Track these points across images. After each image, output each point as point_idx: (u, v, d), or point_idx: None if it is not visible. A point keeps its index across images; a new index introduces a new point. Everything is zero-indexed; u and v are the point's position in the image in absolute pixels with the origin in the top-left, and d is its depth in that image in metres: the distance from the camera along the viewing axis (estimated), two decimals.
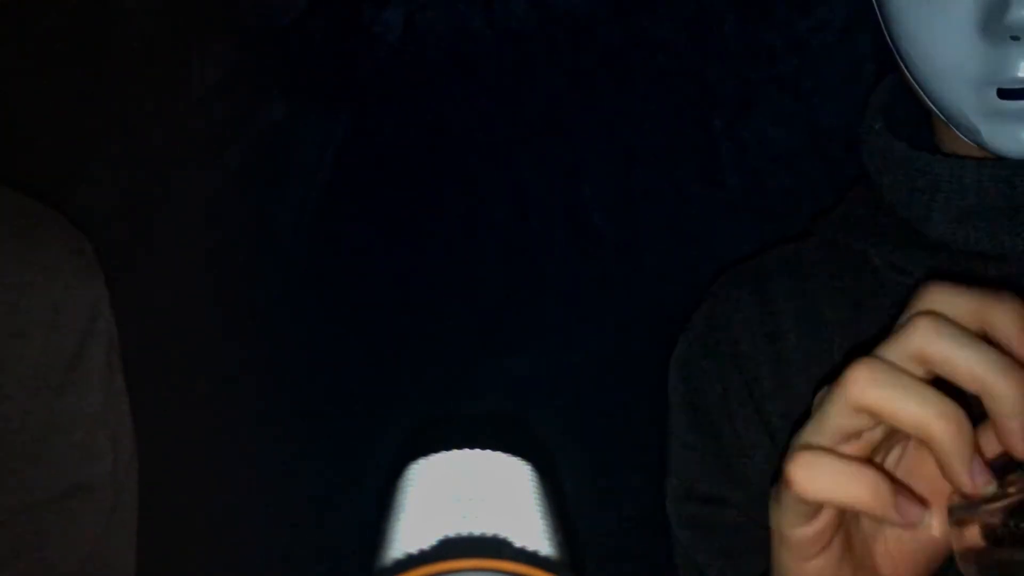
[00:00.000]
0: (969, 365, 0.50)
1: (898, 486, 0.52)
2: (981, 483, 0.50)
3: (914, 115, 0.79)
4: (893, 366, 0.51)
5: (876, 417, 0.51)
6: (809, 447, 0.53)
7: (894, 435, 0.56)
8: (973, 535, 0.52)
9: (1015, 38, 0.69)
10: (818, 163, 1.31)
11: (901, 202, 0.78)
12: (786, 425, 0.78)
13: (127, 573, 0.77)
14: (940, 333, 0.51)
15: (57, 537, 0.73)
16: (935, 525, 0.52)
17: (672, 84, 1.38)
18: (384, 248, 1.44)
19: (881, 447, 0.56)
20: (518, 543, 0.37)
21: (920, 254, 0.76)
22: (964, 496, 0.52)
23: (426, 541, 0.37)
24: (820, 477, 0.51)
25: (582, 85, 1.39)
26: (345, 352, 1.45)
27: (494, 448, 0.40)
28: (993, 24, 0.69)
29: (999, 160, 0.73)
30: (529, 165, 1.41)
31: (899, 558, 0.58)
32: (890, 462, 0.58)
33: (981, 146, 0.73)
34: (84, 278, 0.73)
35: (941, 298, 0.52)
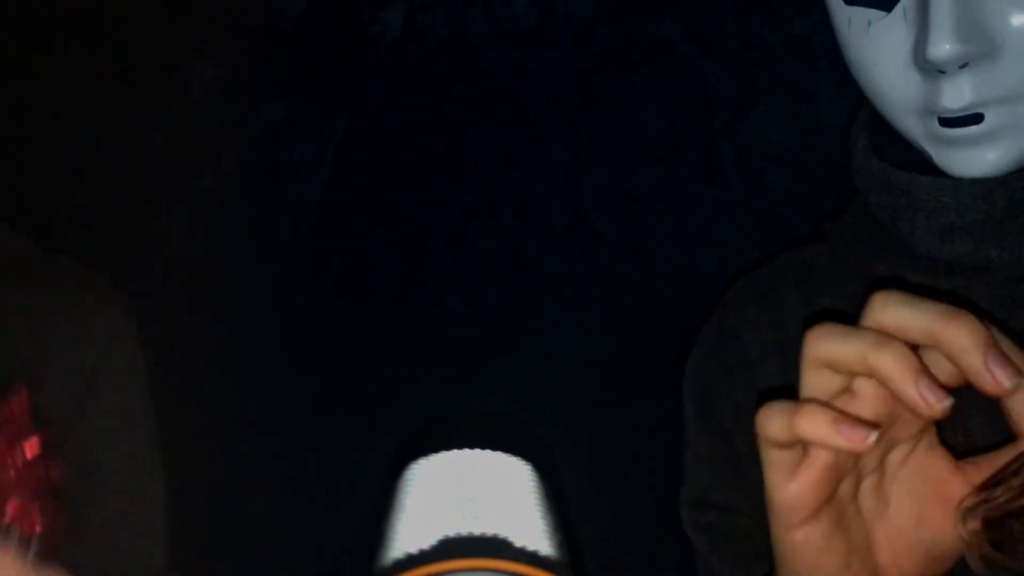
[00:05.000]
0: (917, 322, 0.53)
1: (846, 414, 0.55)
2: (933, 400, 0.52)
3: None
4: (840, 326, 0.55)
5: (832, 367, 0.55)
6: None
7: (896, 431, 0.57)
8: (978, 527, 0.53)
9: (941, 71, 0.69)
10: (818, 163, 1.31)
11: (887, 219, 0.78)
12: None
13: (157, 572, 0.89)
14: (889, 303, 0.54)
15: (86, 509, 0.89)
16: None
17: (672, 84, 1.38)
18: (384, 248, 1.44)
19: (886, 443, 0.57)
20: (518, 543, 0.37)
21: (916, 264, 0.77)
22: (974, 497, 0.53)
23: (426, 541, 0.37)
24: (777, 421, 0.56)
25: (582, 85, 1.39)
26: (344, 351, 1.45)
27: (494, 448, 0.40)
28: (921, 59, 0.70)
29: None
30: (529, 165, 1.41)
31: (900, 549, 0.58)
32: (896, 459, 0.58)
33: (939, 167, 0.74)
34: (99, 306, 0.95)
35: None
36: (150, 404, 0.98)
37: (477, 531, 0.38)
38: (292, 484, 1.45)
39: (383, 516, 0.41)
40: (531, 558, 0.37)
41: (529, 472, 0.41)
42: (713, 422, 0.88)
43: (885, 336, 0.53)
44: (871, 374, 0.54)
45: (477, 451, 0.40)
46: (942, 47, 0.67)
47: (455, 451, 0.40)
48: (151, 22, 1.43)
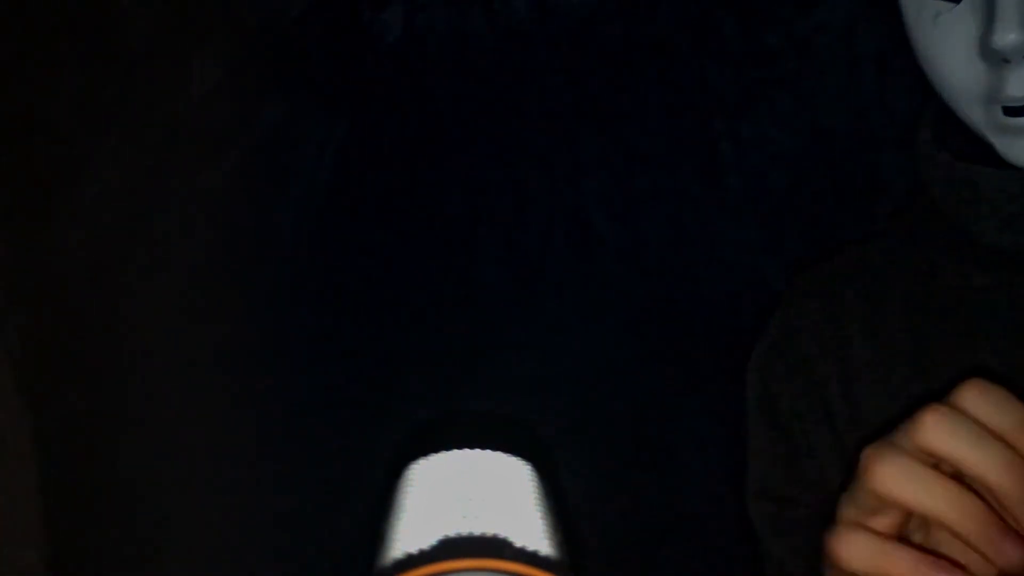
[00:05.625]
0: (971, 463, 0.52)
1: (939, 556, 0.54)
2: (1012, 556, 0.52)
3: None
4: (911, 459, 0.53)
5: (898, 507, 0.54)
6: (849, 523, 0.55)
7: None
8: None
9: (1006, 60, 0.70)
10: (818, 163, 1.31)
11: (951, 210, 0.79)
12: (852, 429, 0.80)
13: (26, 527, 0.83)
14: (945, 431, 0.53)
15: None
16: None
17: (672, 84, 1.38)
18: (384, 248, 1.44)
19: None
20: (518, 543, 0.37)
21: (978, 259, 0.78)
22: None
23: (426, 541, 0.37)
24: (862, 554, 0.54)
25: (582, 85, 1.39)
26: (345, 352, 1.45)
27: (494, 448, 0.40)
28: (986, 48, 0.71)
29: None
30: (529, 165, 1.41)
31: None
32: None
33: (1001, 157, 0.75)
34: None
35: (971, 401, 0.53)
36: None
37: (477, 531, 0.38)
38: (292, 484, 1.44)
39: (383, 516, 0.40)
40: (531, 558, 0.37)
41: (529, 472, 0.41)
42: (772, 416, 0.89)
43: (962, 494, 0.52)
44: (944, 527, 0.53)
45: (477, 451, 0.40)
46: (1008, 36, 0.68)
47: (455, 451, 0.40)
48: (151, 22, 1.43)
